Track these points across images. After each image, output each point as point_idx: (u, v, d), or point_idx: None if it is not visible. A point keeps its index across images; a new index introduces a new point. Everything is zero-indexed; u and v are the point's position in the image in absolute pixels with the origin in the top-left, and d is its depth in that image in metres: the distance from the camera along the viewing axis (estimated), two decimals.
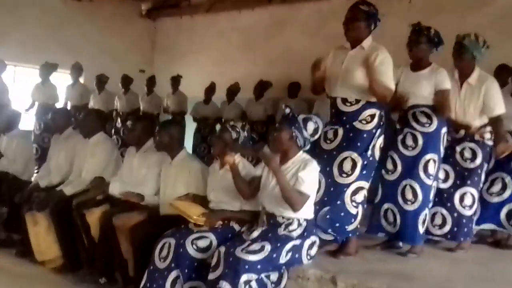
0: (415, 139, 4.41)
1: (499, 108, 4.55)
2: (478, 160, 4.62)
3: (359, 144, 4.00)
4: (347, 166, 3.99)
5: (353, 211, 4.05)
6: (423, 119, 4.40)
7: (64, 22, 10.44)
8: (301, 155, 3.63)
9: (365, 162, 4.01)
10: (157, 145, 4.38)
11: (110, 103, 9.78)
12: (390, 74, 3.97)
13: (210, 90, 9.58)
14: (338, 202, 3.97)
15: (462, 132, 4.66)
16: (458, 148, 4.68)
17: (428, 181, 4.36)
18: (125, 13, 11.65)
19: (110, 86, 9.83)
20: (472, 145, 4.66)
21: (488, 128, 4.65)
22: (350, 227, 4.10)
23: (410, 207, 4.37)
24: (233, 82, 9.36)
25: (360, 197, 4.06)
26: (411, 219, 4.37)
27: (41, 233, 4.72)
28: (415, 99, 4.41)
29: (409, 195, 4.37)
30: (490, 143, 4.67)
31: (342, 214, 4.03)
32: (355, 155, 3.98)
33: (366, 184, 4.07)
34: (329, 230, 3.99)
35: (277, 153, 3.65)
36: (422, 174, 4.35)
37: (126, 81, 9.85)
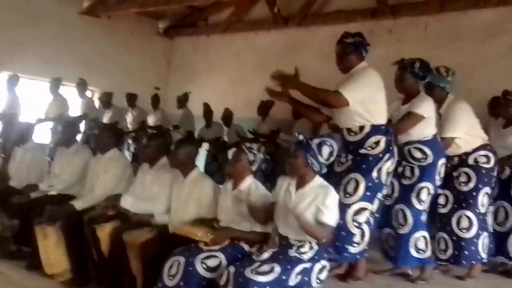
0: (412, 171, 4.55)
1: (448, 130, 4.68)
2: (472, 183, 4.77)
3: (364, 166, 4.12)
4: (350, 187, 4.12)
5: (354, 231, 4.11)
6: (418, 155, 4.51)
7: (81, 38, 10.54)
8: (318, 180, 3.63)
9: (369, 184, 4.08)
10: (172, 162, 4.39)
11: (120, 119, 9.82)
12: (355, 86, 4.06)
13: (207, 113, 9.54)
14: (340, 222, 3.98)
15: (456, 159, 4.82)
16: (455, 174, 4.85)
17: (419, 206, 4.47)
18: (142, 30, 11.76)
19: (125, 103, 9.93)
20: (466, 169, 4.82)
21: (483, 152, 4.80)
22: (352, 249, 4.12)
23: (401, 231, 4.47)
24: (226, 109, 9.37)
25: (362, 218, 4.12)
26: (403, 242, 4.46)
27: (51, 247, 4.72)
28: (407, 135, 4.47)
29: (401, 219, 4.47)
30: (486, 166, 4.77)
31: (343, 233, 4.09)
32: (358, 176, 4.11)
33: (369, 206, 4.13)
34: (329, 248, 4.00)
35: (294, 178, 3.67)
36: (414, 200, 4.46)
37: (131, 98, 9.97)
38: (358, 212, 4.11)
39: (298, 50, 9.94)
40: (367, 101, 4.08)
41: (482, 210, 4.79)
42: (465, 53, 7.58)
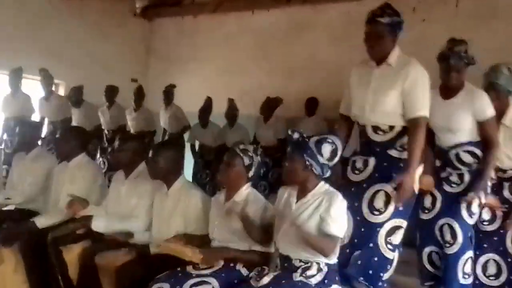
0: (460, 177, 4.47)
1: None
2: None
3: (394, 174, 3.98)
4: (379, 202, 4.00)
5: (389, 255, 4.04)
6: (469, 159, 4.45)
7: (45, 21, 10.42)
8: (322, 186, 3.62)
9: None
10: (151, 173, 4.38)
11: (93, 117, 9.80)
12: (425, 95, 3.97)
13: (206, 110, 9.42)
14: (371, 245, 3.97)
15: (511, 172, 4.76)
16: (506, 184, 4.76)
17: (470, 220, 4.40)
18: (116, 11, 11.74)
19: (96, 97, 9.89)
20: None
21: None
22: (386, 275, 4.09)
23: (449, 250, 4.40)
24: (229, 101, 9.21)
25: (397, 238, 4.04)
26: (451, 264, 4.40)
27: (8, 273, 4.73)
28: (454, 136, 4.48)
29: (447, 236, 4.40)
30: None
31: (376, 259, 4.02)
32: (389, 189, 3.97)
33: (404, 223, 4.06)
34: (361, 279, 3.97)
35: (293, 186, 3.67)
36: (464, 212, 4.38)
37: (111, 93, 9.85)
38: (392, 231, 4.03)
39: (303, 33, 9.94)
40: None
41: None
42: (503, 35, 7.57)
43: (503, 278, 4.70)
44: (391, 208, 3.97)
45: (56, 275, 4.50)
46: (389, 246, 4.01)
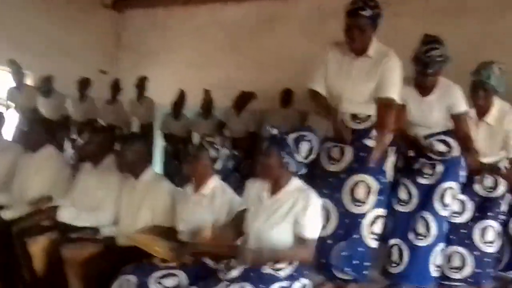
0: (433, 168, 4.48)
1: None
2: (501, 189, 4.76)
3: (372, 165, 4.00)
4: (360, 192, 4.02)
5: (373, 244, 4.07)
6: (442, 148, 4.48)
7: (11, 12, 10.22)
8: (295, 183, 3.60)
9: (381, 186, 4.04)
10: (120, 166, 4.35)
11: (63, 108, 9.73)
12: (396, 82, 4.00)
13: (180, 101, 9.47)
14: (355, 236, 3.99)
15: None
16: (476, 177, 4.80)
17: (443, 212, 4.43)
18: (85, 2, 11.57)
19: (64, 89, 9.79)
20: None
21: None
22: (370, 265, 4.12)
23: (421, 243, 4.41)
24: (206, 91, 9.27)
25: (379, 227, 4.08)
26: (422, 257, 4.41)
27: None
28: (428, 129, 4.53)
29: (422, 229, 4.41)
30: None
31: (361, 249, 4.04)
32: (367, 178, 4.01)
33: (384, 212, 4.10)
34: (346, 269, 3.98)
35: (266, 181, 3.65)
36: (437, 204, 4.40)
37: (84, 85, 9.81)
38: (374, 221, 4.07)
39: (275, 26, 9.95)
40: None
41: (502, 219, 4.83)
42: (473, 30, 7.65)
43: (466, 271, 4.70)
44: (372, 198, 4.00)
45: (21, 267, 4.46)
46: (372, 235, 4.05)
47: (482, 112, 4.64)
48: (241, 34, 10.26)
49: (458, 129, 4.41)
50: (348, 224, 4.01)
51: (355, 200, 4.02)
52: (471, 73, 4.74)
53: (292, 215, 3.47)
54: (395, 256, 4.49)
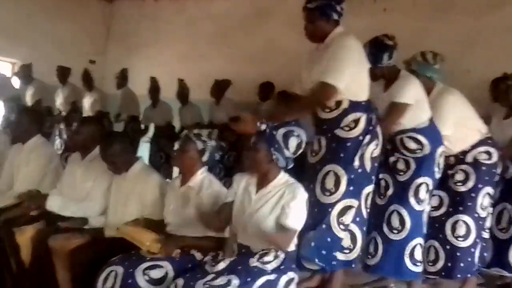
0: (406, 164, 4.54)
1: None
2: (471, 182, 4.74)
3: (342, 155, 4.03)
4: (330, 182, 4.03)
5: (341, 234, 4.06)
6: (412, 145, 4.51)
7: None
8: (283, 177, 3.62)
9: (352, 176, 4.03)
10: (106, 163, 4.32)
11: (44, 96, 9.65)
12: (337, 66, 3.93)
13: (154, 89, 9.49)
14: (323, 226, 3.99)
15: (453, 158, 4.81)
16: (450, 172, 4.81)
17: (418, 207, 4.46)
18: None
19: (53, 78, 9.77)
20: (464, 166, 4.80)
21: (483, 148, 4.79)
22: (342, 256, 4.12)
23: (395, 236, 4.45)
24: (180, 80, 9.37)
25: (349, 217, 4.07)
26: (396, 250, 4.44)
27: None
28: (398, 124, 4.50)
29: (396, 223, 4.45)
30: (487, 162, 4.79)
31: (329, 239, 4.04)
32: (337, 168, 4.02)
33: (355, 202, 4.08)
34: (316, 259, 3.99)
35: (254, 175, 3.67)
36: (411, 199, 4.44)
37: (63, 73, 9.80)
38: (343, 211, 4.04)
39: (263, 19, 9.94)
40: (351, 78, 4.05)
41: (483, 214, 4.82)
42: (462, 26, 7.66)
43: (439, 265, 4.75)
44: (342, 188, 4.01)
45: (7, 257, 4.44)
46: (341, 226, 4.04)
47: None
48: (231, 27, 10.24)
49: (386, 116, 4.42)
50: (317, 214, 4.01)
51: (325, 190, 4.04)
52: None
53: (279, 207, 3.49)
54: (371, 248, 4.54)
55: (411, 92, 4.40)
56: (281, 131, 3.58)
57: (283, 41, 9.33)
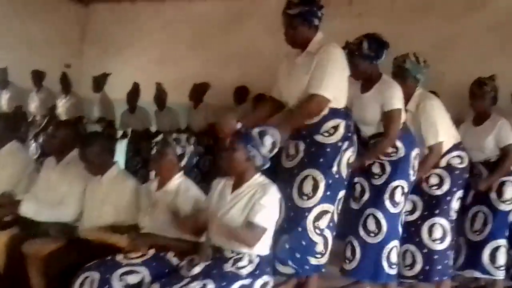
0: (382, 168, 4.56)
1: (431, 137, 4.71)
2: (446, 186, 4.80)
3: (321, 160, 4.05)
4: (308, 186, 4.04)
5: (316, 239, 4.08)
6: (388, 149, 4.51)
7: None
8: (258, 177, 3.62)
9: (330, 181, 4.06)
10: (85, 164, 4.30)
11: (20, 101, 9.65)
12: (326, 77, 3.98)
13: (133, 94, 9.51)
14: (299, 229, 4.00)
15: None
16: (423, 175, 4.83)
17: (394, 210, 4.47)
18: None
19: (27, 81, 9.71)
20: (438, 170, 4.84)
21: (455, 153, 4.86)
22: (314, 260, 4.12)
23: (372, 240, 4.46)
24: (158, 84, 9.38)
25: (324, 222, 4.09)
26: (374, 253, 4.46)
27: None
28: (372, 128, 4.56)
29: (372, 226, 4.46)
30: (459, 166, 4.86)
31: (304, 243, 4.05)
32: (316, 173, 4.04)
33: (331, 207, 4.10)
34: (289, 262, 4.00)
35: (230, 178, 3.67)
36: (387, 202, 4.46)
37: (37, 77, 9.76)
38: (319, 216, 4.06)
39: (241, 22, 9.94)
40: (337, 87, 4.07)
41: (454, 217, 4.88)
42: (437, 30, 7.72)
43: (417, 268, 4.78)
44: (319, 193, 4.02)
45: None
46: (316, 230, 4.06)
47: (405, 101, 4.67)
48: (208, 30, 10.23)
49: (384, 127, 4.45)
50: (293, 217, 4.02)
51: (302, 194, 4.04)
52: (392, 61, 4.89)
53: (251, 206, 3.49)
54: (348, 252, 4.55)
55: (400, 96, 4.46)
56: (256, 129, 3.59)
57: (260, 44, 9.35)
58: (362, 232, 4.49)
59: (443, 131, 4.72)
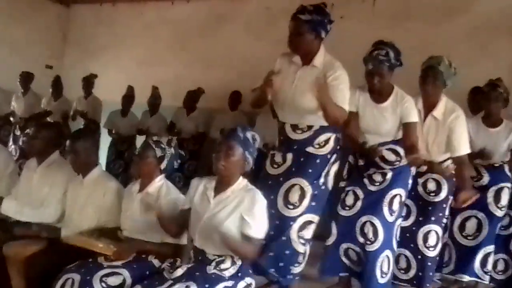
0: (383, 176, 4.51)
1: (464, 148, 4.66)
2: (443, 193, 4.77)
3: (310, 170, 4.05)
4: (294, 196, 4.04)
5: (300, 249, 4.08)
6: (391, 157, 4.48)
7: None
8: (242, 182, 3.61)
9: (316, 192, 4.06)
10: (72, 162, 4.28)
11: (4, 104, 9.53)
12: (345, 92, 4.04)
13: (129, 99, 9.45)
14: (284, 238, 4.01)
15: (424, 167, 4.79)
16: (420, 180, 4.82)
17: (390, 218, 4.45)
18: None
19: (8, 84, 9.61)
20: (436, 176, 4.80)
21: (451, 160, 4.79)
22: (296, 269, 4.13)
23: (370, 248, 4.42)
24: (153, 88, 9.30)
25: (308, 233, 4.10)
26: (371, 261, 4.43)
27: None
28: (379, 137, 4.49)
29: (370, 234, 4.41)
30: (453, 172, 4.81)
31: (288, 252, 4.06)
32: (305, 184, 4.04)
33: (315, 218, 4.12)
34: (271, 270, 4.00)
35: (210, 179, 3.67)
36: (385, 210, 4.43)
37: (26, 79, 9.62)
38: (304, 226, 4.09)
39: (222, 25, 9.90)
40: None
41: (445, 223, 4.92)
42: (419, 34, 7.75)
43: (411, 273, 4.80)
44: (305, 203, 4.02)
45: None
46: (301, 240, 4.07)
47: (430, 105, 4.66)
48: (189, 32, 10.21)
49: (406, 138, 4.36)
50: (278, 226, 4.03)
51: (288, 203, 4.06)
52: (422, 63, 4.79)
53: (238, 212, 3.48)
54: (353, 257, 4.53)
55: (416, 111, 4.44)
56: (249, 133, 3.59)
57: (242, 48, 9.34)
58: (361, 239, 4.44)
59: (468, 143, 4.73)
